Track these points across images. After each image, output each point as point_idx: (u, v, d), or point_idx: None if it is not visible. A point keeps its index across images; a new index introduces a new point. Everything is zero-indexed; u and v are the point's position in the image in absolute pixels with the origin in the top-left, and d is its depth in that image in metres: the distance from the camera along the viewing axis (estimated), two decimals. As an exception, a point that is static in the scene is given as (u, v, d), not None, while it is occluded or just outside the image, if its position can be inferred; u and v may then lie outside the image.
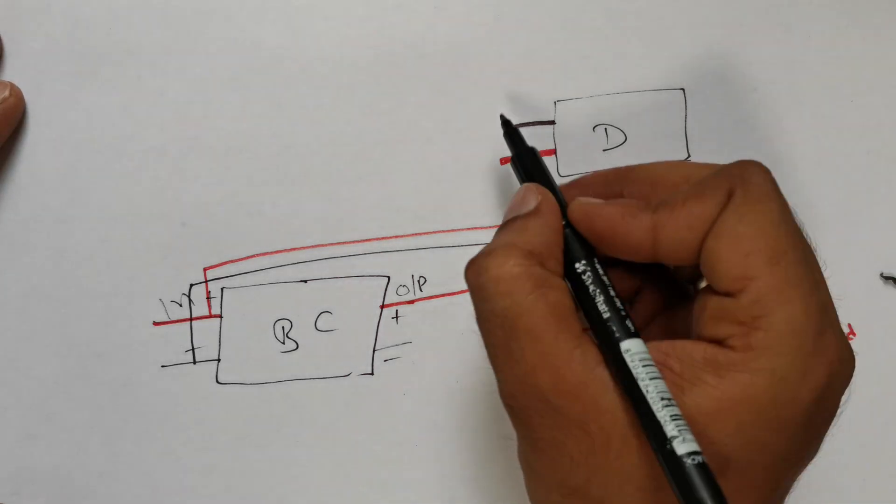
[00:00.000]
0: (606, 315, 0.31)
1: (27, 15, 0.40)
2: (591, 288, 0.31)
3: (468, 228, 0.42)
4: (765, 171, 0.31)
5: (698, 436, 0.28)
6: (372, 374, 0.42)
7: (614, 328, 0.30)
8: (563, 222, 0.33)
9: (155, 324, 0.41)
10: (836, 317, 0.31)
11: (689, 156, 0.42)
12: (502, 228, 0.33)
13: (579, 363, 0.29)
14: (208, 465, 0.41)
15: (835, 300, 0.31)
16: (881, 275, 0.43)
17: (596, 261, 0.32)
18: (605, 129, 0.42)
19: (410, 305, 0.42)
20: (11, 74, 0.40)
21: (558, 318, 0.30)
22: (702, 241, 0.30)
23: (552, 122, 0.42)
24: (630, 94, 0.42)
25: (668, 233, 0.31)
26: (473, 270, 0.32)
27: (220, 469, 0.41)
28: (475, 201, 0.42)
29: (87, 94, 0.41)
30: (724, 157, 0.42)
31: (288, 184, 0.41)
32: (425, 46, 0.42)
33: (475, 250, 0.41)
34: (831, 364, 0.29)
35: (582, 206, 0.33)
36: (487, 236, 0.41)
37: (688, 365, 0.29)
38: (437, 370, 0.41)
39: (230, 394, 0.41)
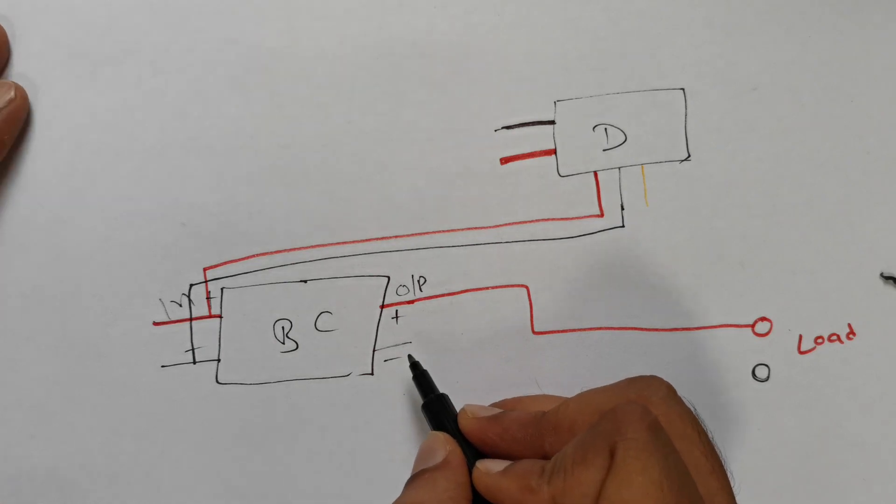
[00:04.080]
0: None
1: (27, 15, 0.40)
2: None
3: (468, 228, 0.42)
4: (640, 421, 0.31)
5: None
6: (372, 374, 0.42)
7: None
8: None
9: (155, 324, 0.41)
10: None
11: (689, 155, 0.42)
12: (412, 482, 0.35)
13: None
14: (208, 465, 0.41)
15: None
16: (881, 274, 0.43)
17: None
18: (606, 128, 0.42)
19: (410, 305, 0.42)
20: (11, 75, 0.40)
21: None
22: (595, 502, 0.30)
23: (552, 122, 0.42)
24: (630, 94, 0.42)
25: (567, 501, 0.31)
26: None
27: (220, 469, 0.41)
28: (475, 201, 0.42)
29: (87, 94, 0.41)
30: (725, 157, 0.42)
31: (288, 184, 0.41)
32: (425, 46, 0.42)
33: (475, 250, 0.42)
34: None
35: (482, 477, 0.34)
36: (487, 236, 0.42)
37: None
38: (437, 370, 0.41)
39: (230, 394, 0.41)
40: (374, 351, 0.42)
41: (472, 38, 0.42)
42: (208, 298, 0.41)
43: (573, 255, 0.42)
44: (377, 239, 0.42)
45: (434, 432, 0.37)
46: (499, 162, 0.42)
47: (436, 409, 0.38)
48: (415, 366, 0.40)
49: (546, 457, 0.34)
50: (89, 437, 0.41)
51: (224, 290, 0.41)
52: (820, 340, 0.43)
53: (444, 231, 0.42)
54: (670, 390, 0.34)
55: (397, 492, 0.42)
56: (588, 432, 0.32)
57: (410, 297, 0.42)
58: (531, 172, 0.42)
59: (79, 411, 0.41)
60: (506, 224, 0.42)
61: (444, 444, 0.36)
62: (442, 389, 0.40)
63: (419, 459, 0.36)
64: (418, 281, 0.42)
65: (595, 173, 0.42)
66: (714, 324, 0.43)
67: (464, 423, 0.37)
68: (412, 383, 0.41)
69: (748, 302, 0.43)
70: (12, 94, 0.39)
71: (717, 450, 0.33)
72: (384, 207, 0.41)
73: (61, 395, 0.41)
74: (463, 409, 0.38)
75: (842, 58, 0.43)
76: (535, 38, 0.42)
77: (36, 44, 0.40)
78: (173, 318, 0.41)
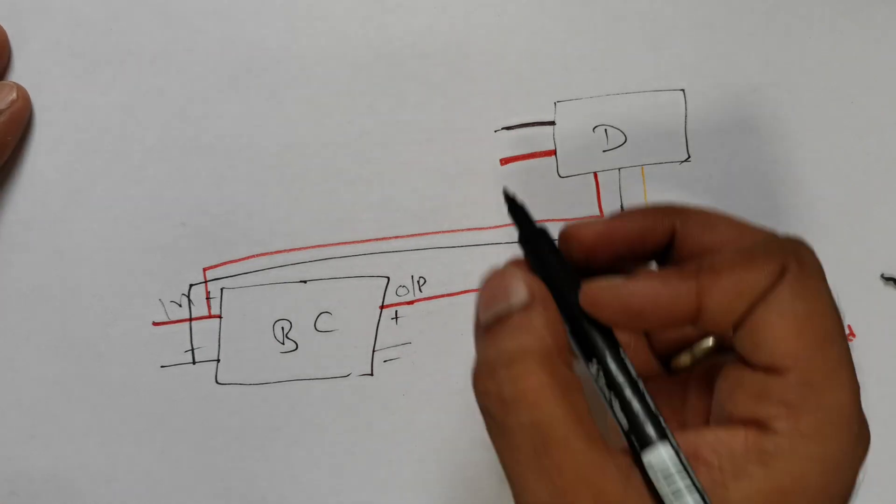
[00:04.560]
0: (626, 426, 0.28)
1: (27, 15, 0.40)
2: (606, 393, 0.29)
3: (468, 229, 0.42)
4: (811, 251, 0.30)
5: None
6: (371, 374, 0.42)
7: (634, 440, 0.28)
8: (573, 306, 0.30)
9: (154, 324, 0.41)
10: None
11: (689, 156, 0.42)
12: (499, 330, 0.30)
13: (615, 475, 0.27)
14: (208, 465, 0.41)
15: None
16: (882, 276, 0.43)
17: (608, 355, 0.29)
18: (605, 129, 0.42)
19: (410, 306, 0.42)
20: (11, 75, 0.40)
21: (587, 425, 0.28)
22: (748, 310, 0.29)
23: (552, 123, 0.42)
24: (630, 95, 0.42)
25: (716, 298, 0.29)
26: (494, 382, 0.29)
27: (220, 469, 0.41)
28: (475, 201, 0.42)
29: (87, 94, 0.41)
30: (725, 157, 0.42)
31: (288, 184, 0.41)
32: (425, 46, 0.42)
33: (475, 251, 0.42)
34: (867, 447, 0.29)
35: (611, 288, 0.30)
36: (487, 237, 0.42)
37: (727, 457, 0.28)
38: (437, 371, 0.41)
39: (230, 394, 0.41)
40: (373, 351, 0.42)
41: (472, 38, 0.42)
42: (208, 299, 0.41)
43: (573, 256, 0.42)
44: (377, 239, 0.42)
45: (499, 268, 0.31)
46: (499, 163, 0.42)
47: (537, 242, 0.32)
48: (510, 196, 0.33)
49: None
50: (88, 437, 0.41)
51: (224, 290, 0.41)
52: (819, 341, 0.43)
53: (444, 231, 0.42)
54: None
55: (397, 492, 0.42)
56: (755, 244, 0.30)
57: (410, 297, 0.42)
58: (531, 173, 0.42)
59: (78, 411, 0.41)
60: (506, 225, 0.42)
61: (523, 279, 0.30)
62: (441, 390, 0.40)
63: (489, 301, 0.30)
64: (418, 281, 0.42)
65: (595, 174, 0.42)
66: (714, 324, 0.43)
67: (581, 233, 0.32)
68: (412, 383, 0.41)
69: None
70: (14, 95, 0.39)
71: None
72: (384, 208, 0.42)
73: (61, 395, 0.41)
74: (567, 227, 0.33)
75: (842, 58, 0.43)
76: (535, 38, 0.42)
77: (36, 44, 0.40)
78: (173, 319, 0.41)
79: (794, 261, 0.29)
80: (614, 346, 0.29)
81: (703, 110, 0.42)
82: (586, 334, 0.30)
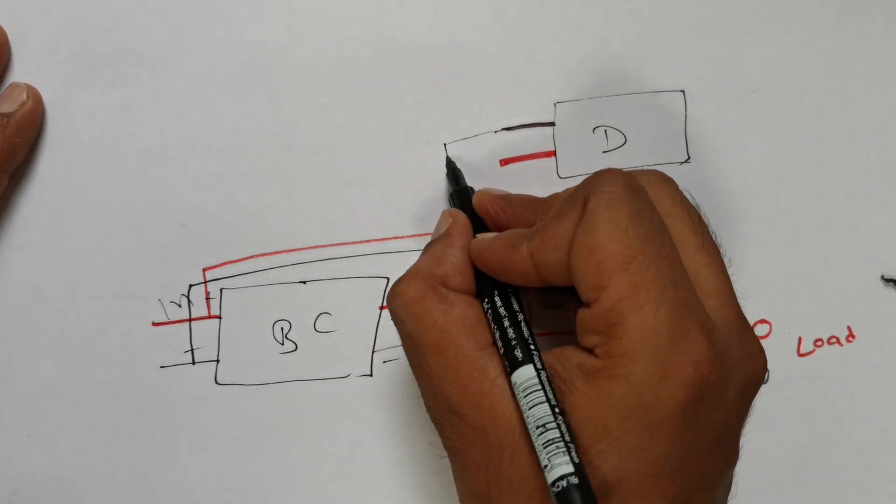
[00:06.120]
0: (502, 351, 0.32)
1: (27, 15, 0.40)
2: (492, 326, 0.33)
3: (468, 229, 0.42)
4: (616, 177, 0.31)
5: (577, 442, 0.29)
6: (371, 375, 0.42)
7: (506, 363, 0.32)
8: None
9: (154, 324, 0.41)
10: (725, 311, 0.32)
11: (689, 157, 0.42)
12: (420, 256, 0.36)
13: (480, 373, 0.31)
14: (208, 465, 0.41)
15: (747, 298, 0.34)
16: (882, 277, 0.43)
17: (496, 293, 0.34)
18: (605, 130, 0.42)
19: (410, 307, 0.42)
20: (11, 75, 0.40)
21: (462, 332, 0.32)
22: (566, 258, 0.31)
23: (552, 124, 0.42)
24: (630, 96, 0.42)
25: (542, 257, 0.32)
26: (388, 298, 0.34)
27: (220, 469, 0.42)
28: (475, 202, 0.42)
29: (87, 94, 0.41)
30: (725, 158, 0.42)
31: (288, 184, 0.41)
32: (425, 46, 0.42)
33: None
34: (697, 363, 0.29)
35: (477, 244, 0.35)
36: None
37: (567, 369, 0.31)
38: (437, 371, 0.42)
39: (229, 394, 0.41)
40: (373, 352, 0.42)
41: (472, 39, 0.42)
42: (207, 299, 0.41)
43: (573, 257, 0.42)
44: (377, 240, 0.42)
45: (444, 210, 0.38)
46: (498, 163, 0.42)
47: (461, 196, 0.39)
48: (450, 161, 0.41)
49: None
50: (88, 437, 0.41)
51: (223, 290, 0.41)
52: (819, 343, 0.43)
53: (443, 232, 0.42)
54: (668, 178, 0.34)
55: (397, 493, 0.42)
56: (568, 194, 0.33)
57: (410, 298, 0.42)
58: (531, 174, 0.42)
59: (77, 411, 0.41)
60: (505, 225, 0.42)
61: (447, 219, 0.37)
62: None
63: (432, 236, 0.37)
64: (418, 282, 0.42)
65: (595, 175, 0.42)
66: (713, 325, 0.43)
67: (475, 198, 0.38)
68: (412, 383, 0.41)
69: (748, 304, 0.42)
70: (24, 96, 0.39)
71: (710, 232, 0.34)
72: (384, 208, 0.41)
73: (60, 396, 0.41)
74: (478, 190, 0.39)
75: (842, 59, 0.43)
76: (535, 39, 0.42)
77: (36, 44, 0.40)
78: (172, 319, 0.41)
79: (592, 196, 0.31)
80: (503, 288, 0.34)
81: (702, 111, 0.42)
82: (480, 276, 0.35)
